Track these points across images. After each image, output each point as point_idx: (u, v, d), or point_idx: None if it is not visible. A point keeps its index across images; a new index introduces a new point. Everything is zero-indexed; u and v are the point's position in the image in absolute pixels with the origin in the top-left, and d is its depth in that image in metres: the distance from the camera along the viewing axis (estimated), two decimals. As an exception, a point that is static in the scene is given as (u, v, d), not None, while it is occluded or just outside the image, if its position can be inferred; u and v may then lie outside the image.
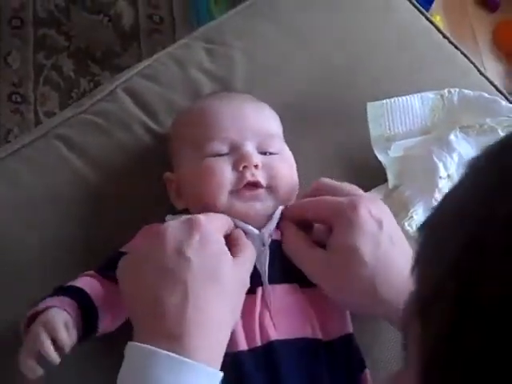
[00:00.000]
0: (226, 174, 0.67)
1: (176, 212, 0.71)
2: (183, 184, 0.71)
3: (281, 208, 0.69)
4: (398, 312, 0.59)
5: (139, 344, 0.54)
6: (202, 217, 0.60)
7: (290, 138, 0.75)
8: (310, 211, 0.68)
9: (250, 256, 0.63)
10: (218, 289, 0.57)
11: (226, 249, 0.60)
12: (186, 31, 1.37)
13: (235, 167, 0.67)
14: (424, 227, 0.35)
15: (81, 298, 0.60)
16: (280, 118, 0.76)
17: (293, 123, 0.78)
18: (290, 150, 0.74)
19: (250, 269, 0.62)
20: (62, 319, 0.57)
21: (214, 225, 0.61)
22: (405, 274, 0.61)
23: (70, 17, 1.56)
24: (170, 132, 0.77)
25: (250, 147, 0.69)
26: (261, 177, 0.67)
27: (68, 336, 0.56)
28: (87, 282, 0.62)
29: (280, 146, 0.72)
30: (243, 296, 0.61)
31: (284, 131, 0.75)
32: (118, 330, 0.64)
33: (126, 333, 0.59)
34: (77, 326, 0.59)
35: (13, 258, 0.72)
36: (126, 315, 0.61)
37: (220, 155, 0.68)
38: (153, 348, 0.53)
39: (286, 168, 0.70)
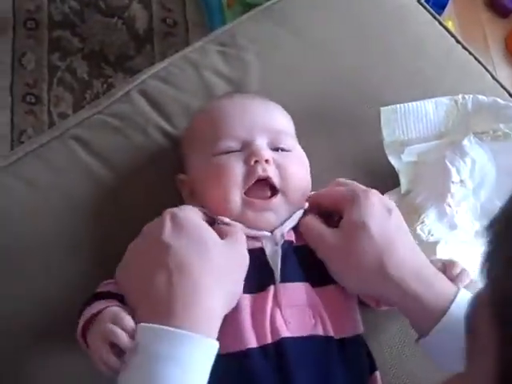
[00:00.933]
0: (236, 169, 0.67)
1: None
2: (196, 185, 0.71)
3: (300, 212, 0.69)
4: (404, 294, 0.61)
5: (139, 325, 0.56)
6: (172, 208, 0.64)
7: (304, 140, 0.76)
8: (325, 198, 0.70)
9: (239, 237, 0.64)
10: (202, 256, 0.59)
11: (209, 229, 0.63)
12: (199, 35, 1.39)
13: (246, 162, 0.68)
14: (494, 224, 0.35)
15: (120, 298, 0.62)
16: (294, 120, 0.76)
17: (307, 126, 0.79)
18: (304, 152, 0.74)
19: (243, 250, 0.64)
20: (122, 311, 0.58)
21: (186, 210, 0.64)
22: (409, 259, 0.64)
23: (85, 19, 1.58)
24: (183, 133, 0.78)
25: (260, 143, 0.69)
26: (272, 173, 0.68)
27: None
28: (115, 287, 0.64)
29: (292, 143, 0.73)
30: (239, 273, 0.62)
31: (298, 134, 0.76)
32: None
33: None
34: None
35: (29, 257, 0.72)
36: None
37: (231, 152, 0.69)
38: (145, 324, 0.55)
39: (298, 166, 0.71)
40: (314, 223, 0.68)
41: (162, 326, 0.54)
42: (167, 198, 0.74)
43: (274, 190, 0.68)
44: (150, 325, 0.55)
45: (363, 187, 0.69)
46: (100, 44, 1.55)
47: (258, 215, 0.67)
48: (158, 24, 1.60)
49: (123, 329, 0.56)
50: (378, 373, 0.66)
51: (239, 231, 0.65)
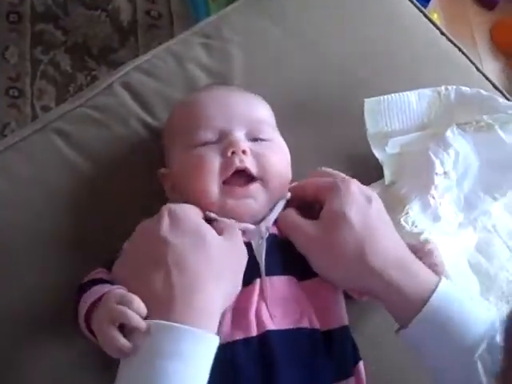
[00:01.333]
0: (214, 162, 0.67)
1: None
2: (176, 177, 0.71)
3: (283, 202, 0.69)
4: (384, 285, 0.61)
5: None
6: (171, 204, 0.63)
7: (288, 133, 0.75)
8: (305, 189, 0.70)
9: (236, 232, 0.64)
10: (205, 260, 0.59)
11: (207, 225, 0.62)
12: (183, 27, 1.38)
13: (223, 154, 0.68)
14: None
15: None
16: (278, 113, 0.76)
17: (290, 119, 0.79)
18: (288, 145, 0.74)
19: (241, 244, 0.64)
20: (129, 293, 0.57)
21: (184, 207, 0.64)
22: (391, 249, 0.63)
23: (68, 12, 1.56)
24: (164, 127, 0.78)
25: (238, 133, 0.69)
26: (250, 163, 0.67)
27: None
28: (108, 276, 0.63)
29: (271, 133, 0.72)
30: (238, 268, 0.62)
31: (281, 126, 0.75)
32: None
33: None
34: None
35: (9, 251, 0.72)
36: None
37: (208, 144, 0.69)
38: (147, 321, 0.54)
39: (277, 155, 0.71)
40: (293, 216, 0.68)
41: (165, 322, 0.54)
42: (149, 190, 0.74)
43: (252, 179, 0.68)
44: (154, 320, 0.54)
45: (343, 176, 0.69)
46: (83, 37, 1.54)
47: (238, 202, 0.67)
48: (142, 16, 1.59)
49: (133, 311, 0.55)
50: (361, 363, 0.67)
51: (236, 227, 0.65)
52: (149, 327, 0.54)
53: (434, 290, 0.61)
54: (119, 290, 0.58)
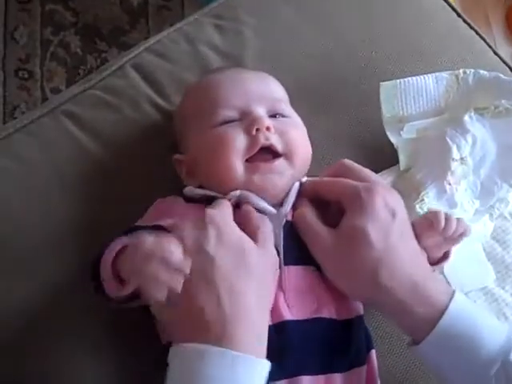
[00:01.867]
0: (238, 140, 0.65)
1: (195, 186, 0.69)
2: (195, 161, 0.69)
3: (297, 185, 0.67)
4: (395, 304, 0.60)
5: (186, 346, 0.53)
6: (211, 210, 0.60)
7: (301, 116, 0.73)
8: (326, 189, 0.67)
9: (270, 237, 0.62)
10: (248, 276, 0.57)
11: (245, 236, 0.60)
12: (194, 8, 1.35)
13: (247, 132, 0.66)
14: None
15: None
16: (291, 96, 0.75)
17: (304, 101, 0.77)
18: (302, 128, 0.72)
19: (273, 250, 0.62)
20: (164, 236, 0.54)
21: (225, 214, 0.61)
22: (407, 270, 0.61)
23: (78, -8, 1.54)
24: (176, 112, 0.76)
25: (260, 110, 0.68)
26: (275, 140, 0.66)
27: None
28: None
29: (289, 111, 0.71)
30: (272, 276, 0.61)
31: (295, 109, 0.74)
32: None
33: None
34: None
35: (18, 234, 0.71)
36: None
37: (229, 123, 0.67)
38: (202, 347, 0.52)
39: (298, 131, 0.69)
40: (310, 218, 0.65)
41: (220, 349, 0.52)
42: (161, 173, 0.73)
43: (277, 155, 0.66)
44: (205, 347, 0.52)
45: (368, 182, 0.64)
46: (94, 18, 1.52)
47: (263, 178, 0.65)
48: (153, -3, 1.57)
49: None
50: (374, 351, 0.66)
51: (267, 225, 0.62)
52: (201, 352, 0.52)
53: (445, 310, 0.59)
54: (151, 237, 0.54)
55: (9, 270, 0.69)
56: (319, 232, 0.64)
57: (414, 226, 0.65)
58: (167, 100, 0.80)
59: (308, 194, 0.67)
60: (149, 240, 0.54)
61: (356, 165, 0.67)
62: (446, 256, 0.67)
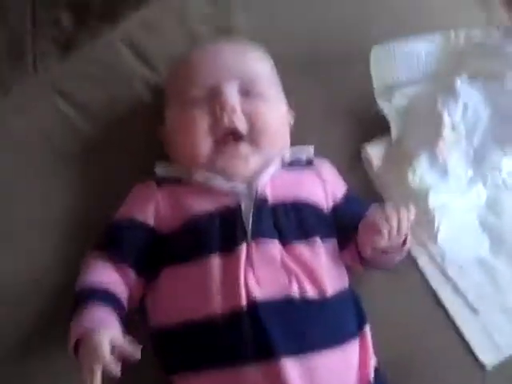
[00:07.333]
0: (203, 121, 0.67)
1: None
2: (169, 134, 0.71)
3: (276, 161, 0.68)
4: None
5: None
6: None
7: (295, 86, 0.73)
8: None
9: None
10: None
11: None
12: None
13: (212, 113, 0.67)
14: None
15: (112, 301, 0.61)
16: (283, 66, 0.74)
17: (297, 72, 0.77)
18: (296, 98, 0.72)
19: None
20: (106, 340, 0.58)
21: None
22: None
23: (67, -32, 1.52)
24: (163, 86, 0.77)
25: (228, 89, 0.67)
26: (240, 121, 0.66)
27: (113, 359, 0.57)
28: (105, 277, 0.63)
29: (268, 89, 0.70)
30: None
31: (288, 81, 0.73)
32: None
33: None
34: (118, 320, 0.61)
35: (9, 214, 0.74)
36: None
37: (199, 102, 0.67)
38: None
39: (270, 112, 0.69)
40: None
41: None
42: (149, 147, 0.74)
43: (241, 138, 0.67)
44: None
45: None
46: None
47: (227, 163, 0.66)
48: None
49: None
50: (367, 328, 0.65)
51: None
52: None
53: None
54: (94, 341, 0.57)
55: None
56: None
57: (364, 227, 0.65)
58: (157, 74, 0.80)
59: None
60: (93, 341, 0.57)
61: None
62: (405, 242, 0.65)
